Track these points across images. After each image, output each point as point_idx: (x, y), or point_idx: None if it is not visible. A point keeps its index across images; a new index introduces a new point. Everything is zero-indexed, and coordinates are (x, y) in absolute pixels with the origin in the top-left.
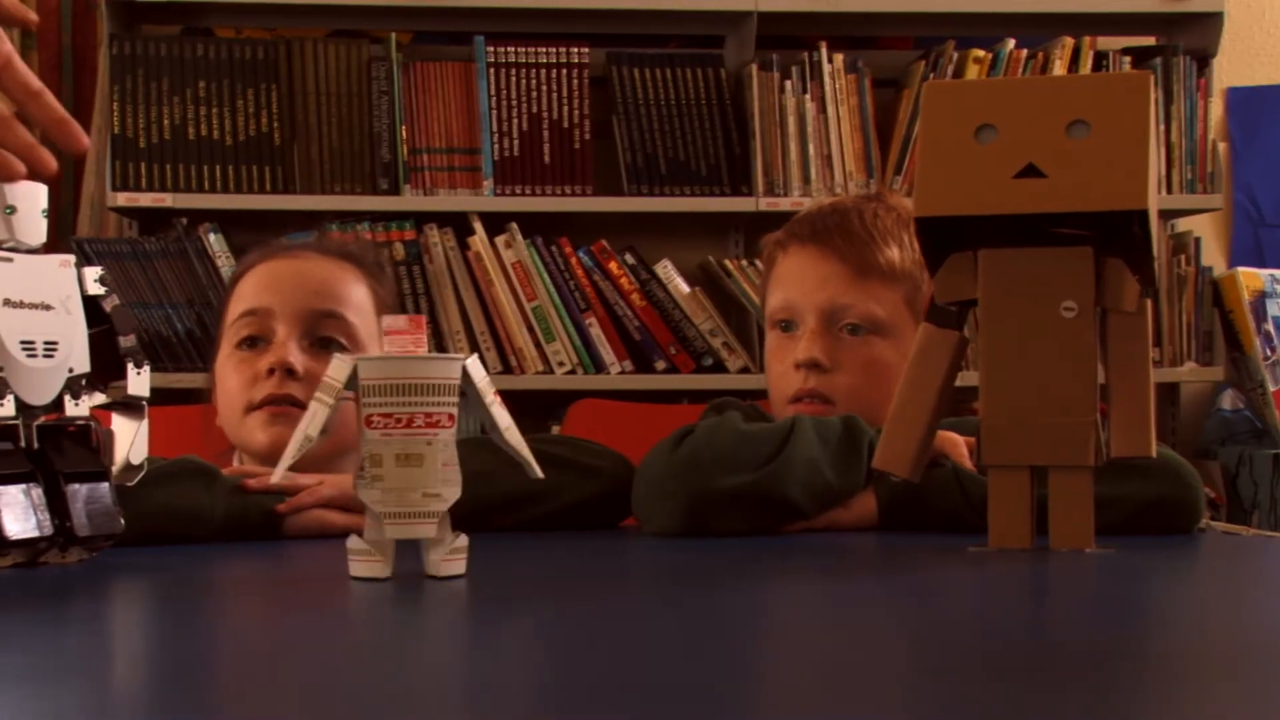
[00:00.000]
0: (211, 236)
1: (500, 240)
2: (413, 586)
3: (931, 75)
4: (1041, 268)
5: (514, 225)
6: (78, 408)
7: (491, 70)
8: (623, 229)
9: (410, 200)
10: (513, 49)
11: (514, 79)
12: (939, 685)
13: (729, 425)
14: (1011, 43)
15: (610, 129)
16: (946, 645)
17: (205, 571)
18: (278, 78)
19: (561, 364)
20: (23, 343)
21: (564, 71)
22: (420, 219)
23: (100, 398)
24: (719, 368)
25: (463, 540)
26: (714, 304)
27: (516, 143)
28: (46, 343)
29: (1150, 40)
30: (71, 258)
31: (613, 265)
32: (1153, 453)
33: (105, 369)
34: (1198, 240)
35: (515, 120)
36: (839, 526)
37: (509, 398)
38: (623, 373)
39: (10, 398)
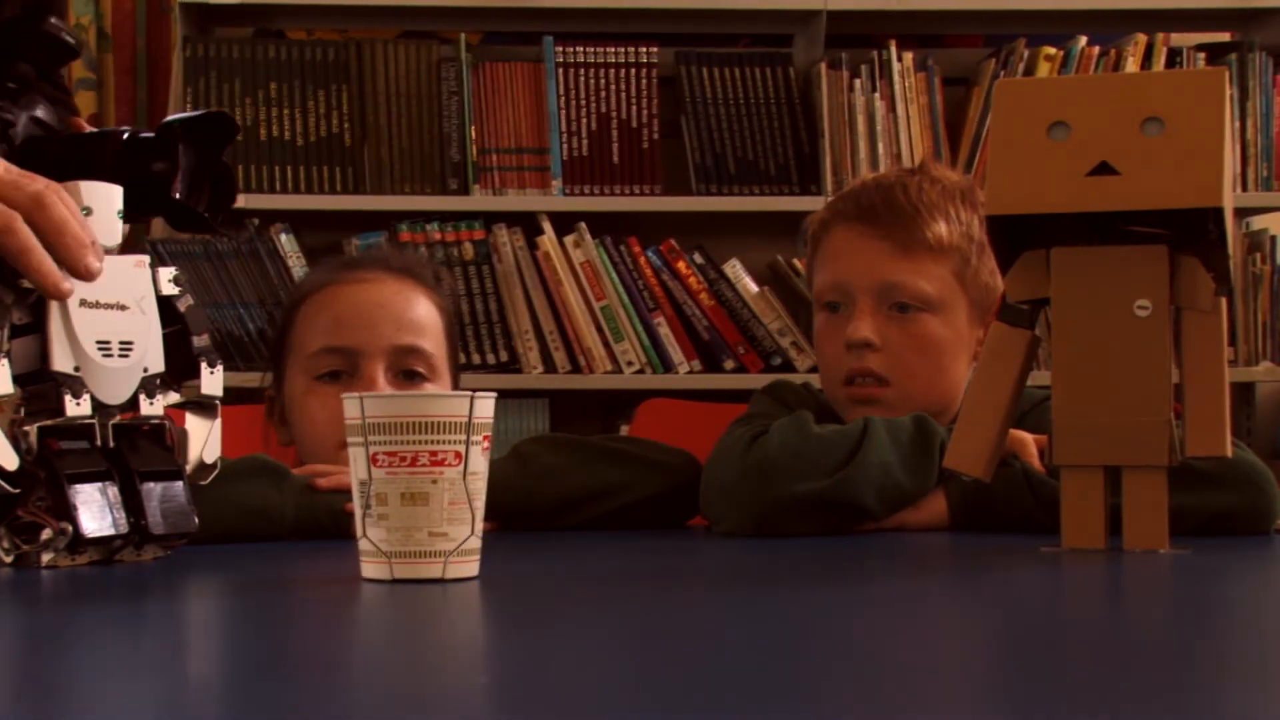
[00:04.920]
0: (283, 237)
1: (569, 240)
2: (462, 588)
3: (1002, 73)
4: (1115, 266)
5: (583, 225)
6: (152, 407)
7: (560, 70)
8: (691, 229)
9: (479, 200)
10: (581, 49)
11: (583, 79)
12: (1015, 686)
13: (802, 429)
14: (1083, 40)
15: (679, 128)
16: (1022, 645)
17: (277, 570)
18: (348, 79)
19: (630, 364)
20: (99, 343)
21: (632, 71)
22: (489, 219)
23: (174, 397)
24: (788, 367)
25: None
26: (783, 303)
27: (585, 142)
28: (122, 343)
29: (1225, 36)
30: (146, 258)
31: (681, 265)
32: (1228, 452)
33: (179, 369)
34: (1273, 238)
35: (584, 120)
36: (909, 527)
37: (578, 398)
38: (691, 372)
39: (86, 397)
